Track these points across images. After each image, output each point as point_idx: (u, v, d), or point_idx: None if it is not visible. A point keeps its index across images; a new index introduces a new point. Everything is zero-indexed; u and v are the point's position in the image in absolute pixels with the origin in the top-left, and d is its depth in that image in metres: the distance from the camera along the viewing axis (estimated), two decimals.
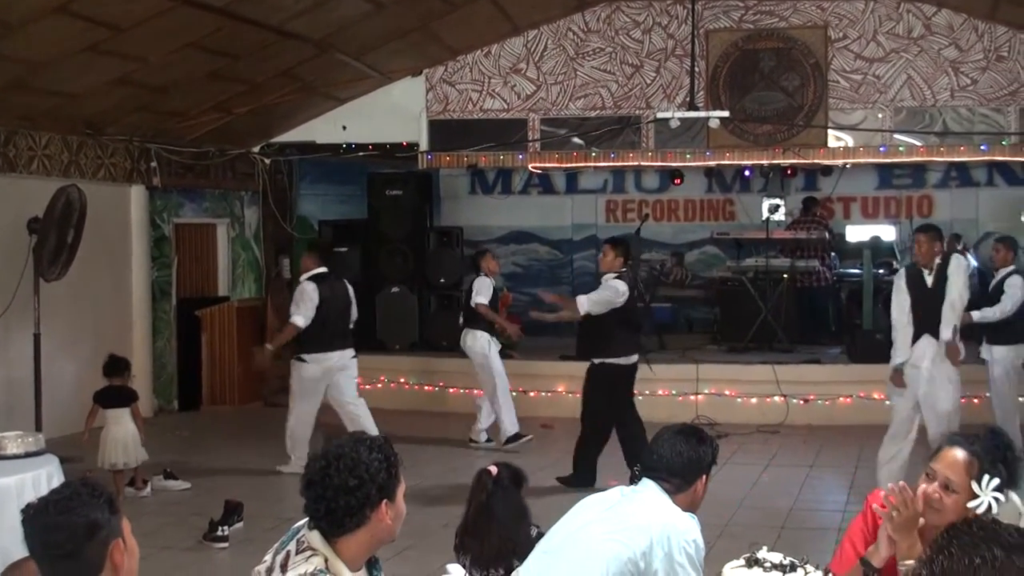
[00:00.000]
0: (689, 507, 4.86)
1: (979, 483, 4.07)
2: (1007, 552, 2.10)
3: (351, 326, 12.38)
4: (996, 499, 4.06)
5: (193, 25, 12.25)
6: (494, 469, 5.29)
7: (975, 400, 12.71)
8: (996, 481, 4.08)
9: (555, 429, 14.06)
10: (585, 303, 11.09)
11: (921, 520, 4.07)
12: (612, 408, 11.11)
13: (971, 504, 4.06)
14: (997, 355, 12.31)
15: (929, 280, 10.01)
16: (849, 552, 4.39)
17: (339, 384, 12.08)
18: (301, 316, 11.80)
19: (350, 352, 12.17)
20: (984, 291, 17.59)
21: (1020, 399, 12.45)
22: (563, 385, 14.72)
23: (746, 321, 16.16)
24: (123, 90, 13.38)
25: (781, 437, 13.60)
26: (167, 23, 11.84)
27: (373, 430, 11.42)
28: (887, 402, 10.72)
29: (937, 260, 10.02)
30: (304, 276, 12.19)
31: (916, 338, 10.04)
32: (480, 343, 13.21)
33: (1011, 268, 12.44)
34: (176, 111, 14.78)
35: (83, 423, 10.78)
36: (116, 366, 10.92)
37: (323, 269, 12.17)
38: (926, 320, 9.99)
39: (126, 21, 11.54)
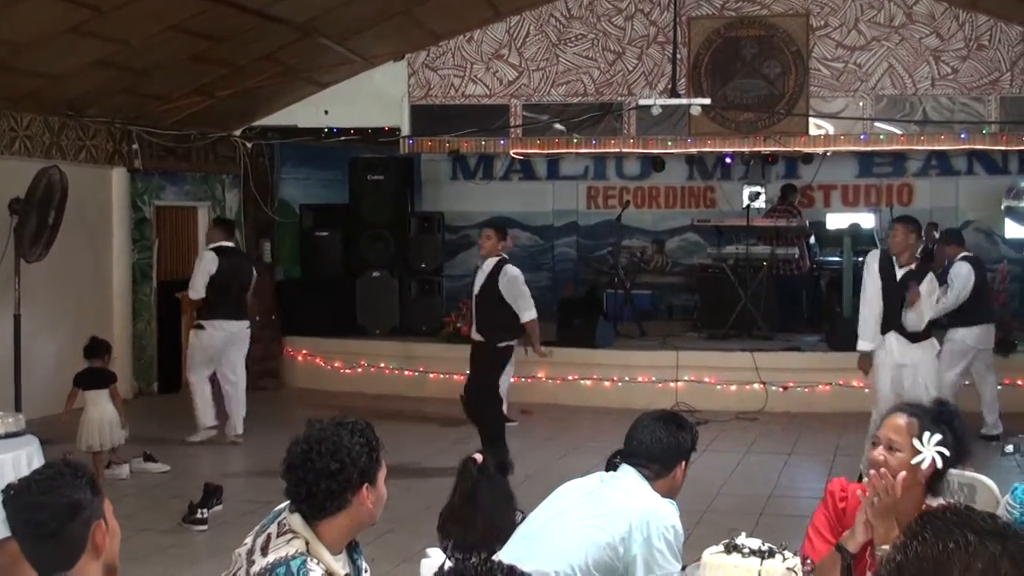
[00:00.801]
0: (668, 493, 4.88)
1: (920, 440, 4.18)
2: (980, 537, 2.12)
3: (246, 303, 13.02)
4: (940, 454, 4.16)
5: (176, 7, 12.22)
6: (479, 457, 5.30)
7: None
8: (938, 436, 4.19)
9: (534, 415, 14.10)
10: (532, 312, 11.54)
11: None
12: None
13: (914, 460, 4.16)
14: (952, 335, 12.40)
15: (899, 273, 9.97)
16: (818, 542, 4.43)
17: (231, 358, 12.73)
18: (193, 288, 12.64)
19: (245, 323, 12.82)
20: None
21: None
22: (542, 371, 14.74)
23: (726, 308, 16.21)
24: (105, 72, 13.34)
25: (760, 424, 13.65)
26: (150, 5, 11.81)
27: (241, 412, 12.56)
28: (866, 389, 10.65)
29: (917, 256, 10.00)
30: (209, 246, 12.95)
31: (886, 331, 10.05)
32: None
33: (961, 255, 12.57)
34: (158, 94, 14.75)
35: (63, 404, 10.78)
36: (96, 348, 10.92)
37: (228, 243, 12.94)
38: (892, 315, 9.99)
39: (108, 3, 11.49)
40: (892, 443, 4.27)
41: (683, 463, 4.96)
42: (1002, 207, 18.71)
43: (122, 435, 10.80)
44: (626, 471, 4.90)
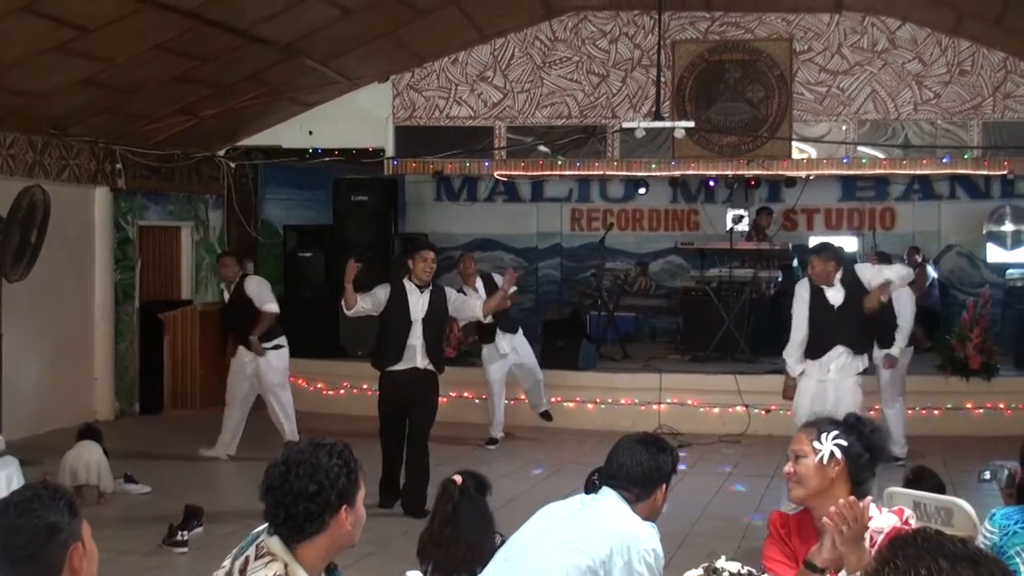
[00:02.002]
0: (649, 516, 4.88)
1: (819, 441, 4.44)
2: (952, 563, 2.12)
3: None
4: (839, 446, 4.41)
5: (160, 27, 12.22)
6: (459, 479, 5.29)
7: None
8: (835, 432, 4.44)
9: (516, 437, 14.09)
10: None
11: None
12: None
13: (816, 458, 4.41)
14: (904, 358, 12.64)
15: (831, 296, 9.94)
16: (781, 568, 4.46)
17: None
18: (275, 305, 12.71)
19: None
20: (944, 303, 17.79)
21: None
22: (525, 393, 14.73)
23: (709, 331, 16.21)
24: (89, 91, 13.34)
25: (743, 447, 13.65)
26: (134, 24, 11.81)
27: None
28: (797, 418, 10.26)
29: (837, 276, 9.94)
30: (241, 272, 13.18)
31: (818, 353, 10.00)
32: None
33: None
34: (142, 113, 14.74)
35: (42, 424, 10.75)
36: (84, 434, 10.89)
37: None
38: (830, 336, 9.94)
39: (93, 22, 11.50)
40: (796, 453, 4.49)
41: (664, 486, 4.96)
42: (984, 231, 18.78)
43: (111, 481, 10.79)
44: (607, 494, 4.90)
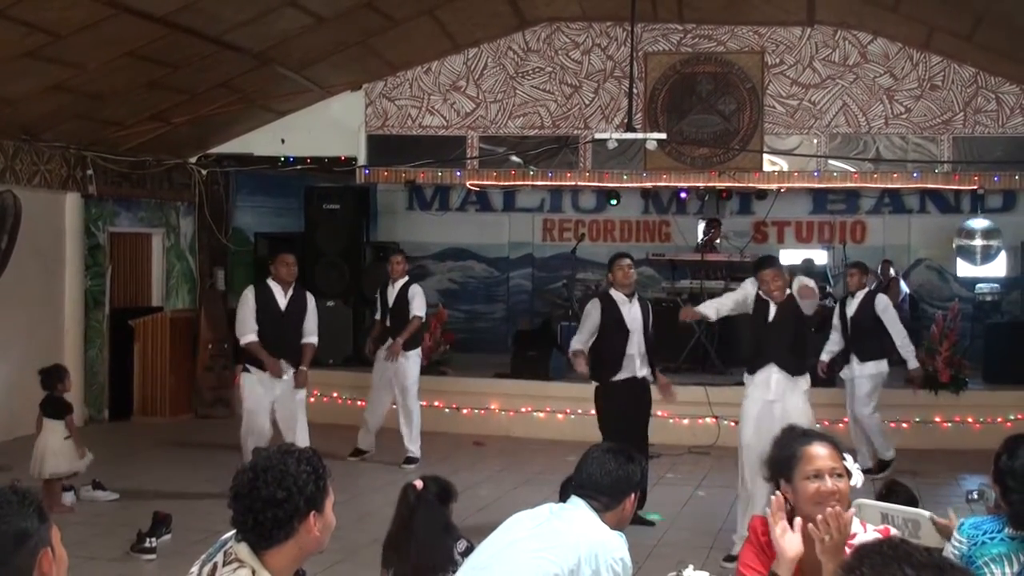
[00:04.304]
0: (617, 525, 4.90)
1: (844, 459, 4.39)
2: (917, 571, 2.13)
3: None
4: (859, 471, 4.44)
5: (133, 34, 12.19)
6: (419, 484, 5.29)
7: (840, 425, 12.91)
8: (849, 455, 4.43)
9: (486, 447, 14.09)
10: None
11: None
12: None
13: (852, 482, 4.36)
14: (868, 370, 12.69)
15: (772, 312, 9.66)
16: (751, 575, 4.47)
17: None
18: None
19: None
20: (914, 316, 17.87)
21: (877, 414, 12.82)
22: (496, 403, 14.75)
23: (680, 342, 16.22)
24: (60, 97, 13.29)
25: (712, 459, 13.67)
26: (106, 31, 11.78)
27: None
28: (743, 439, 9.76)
29: (786, 292, 9.68)
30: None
31: (753, 368, 9.79)
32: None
33: (866, 290, 13.04)
34: (113, 119, 14.70)
35: (11, 430, 10.71)
36: (48, 376, 10.83)
37: None
38: (764, 352, 9.72)
39: (65, 28, 11.47)
40: (835, 471, 4.35)
41: (632, 495, 4.98)
42: (954, 246, 18.87)
43: (79, 464, 10.75)
44: (575, 503, 4.91)
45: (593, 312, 10.68)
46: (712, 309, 10.21)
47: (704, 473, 12.93)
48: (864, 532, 4.34)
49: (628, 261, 10.83)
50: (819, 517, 4.10)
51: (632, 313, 10.68)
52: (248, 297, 11.53)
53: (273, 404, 11.46)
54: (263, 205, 18.90)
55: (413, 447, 13.20)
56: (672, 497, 11.49)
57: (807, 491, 4.33)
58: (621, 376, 10.62)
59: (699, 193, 18.69)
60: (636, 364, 10.64)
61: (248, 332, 11.31)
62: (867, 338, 12.68)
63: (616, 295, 10.70)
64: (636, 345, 10.61)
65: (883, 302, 12.89)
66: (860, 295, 12.91)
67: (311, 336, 11.75)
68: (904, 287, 18.10)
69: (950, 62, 15.21)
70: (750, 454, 9.23)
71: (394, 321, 13.35)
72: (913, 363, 12.78)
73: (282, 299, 11.53)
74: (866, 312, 12.74)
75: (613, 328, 10.54)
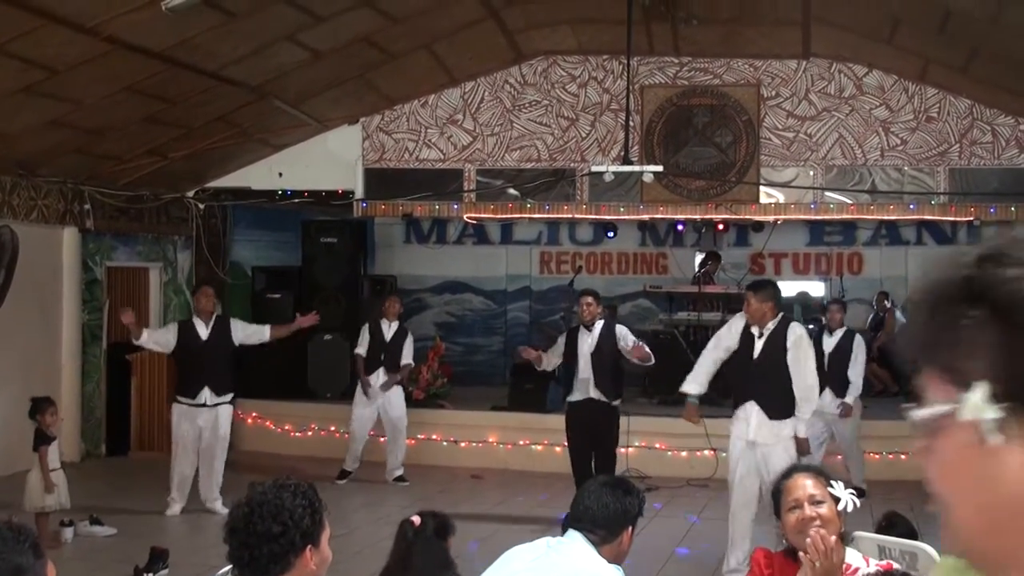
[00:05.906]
0: (615, 559, 4.88)
1: (831, 487, 4.52)
2: None
3: None
4: (852, 495, 4.55)
5: (130, 69, 12.22)
6: (417, 520, 5.26)
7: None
8: (840, 482, 4.57)
9: (485, 480, 14.06)
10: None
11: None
12: None
13: (839, 507, 4.48)
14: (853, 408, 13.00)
15: (758, 345, 9.36)
16: None
17: None
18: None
19: None
20: None
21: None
22: (494, 436, 14.72)
23: (678, 374, 16.10)
24: (58, 132, 13.32)
25: (711, 491, 13.61)
26: (104, 66, 11.81)
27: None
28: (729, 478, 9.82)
29: (770, 324, 9.32)
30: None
31: (736, 403, 9.62)
32: None
33: (845, 328, 13.37)
34: (111, 154, 14.72)
35: (9, 465, 10.65)
36: (32, 407, 10.76)
37: None
38: (744, 387, 9.50)
39: (62, 63, 11.50)
40: (814, 497, 4.47)
41: (630, 528, 4.97)
42: None
43: (50, 500, 10.48)
44: (573, 536, 4.89)
45: (560, 340, 12.14)
46: (697, 384, 10.12)
47: (703, 505, 12.89)
48: (867, 567, 4.34)
49: (588, 299, 11.81)
50: (808, 541, 4.12)
51: (587, 341, 11.65)
52: (171, 328, 12.77)
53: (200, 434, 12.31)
54: (260, 239, 18.91)
55: (400, 469, 14.09)
56: (671, 530, 11.47)
57: (790, 522, 4.49)
58: (576, 397, 11.65)
59: (696, 225, 18.73)
60: (589, 386, 11.54)
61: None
62: (845, 374, 12.92)
63: (581, 327, 11.81)
64: (585, 369, 11.57)
65: (860, 343, 13.20)
66: (839, 332, 13.17)
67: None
68: (901, 318, 18.09)
69: (945, 94, 15.24)
70: (734, 495, 9.55)
71: (388, 357, 14.10)
72: (848, 400, 12.85)
73: (203, 330, 12.23)
74: (844, 351, 13.00)
75: (569, 354, 11.78)
